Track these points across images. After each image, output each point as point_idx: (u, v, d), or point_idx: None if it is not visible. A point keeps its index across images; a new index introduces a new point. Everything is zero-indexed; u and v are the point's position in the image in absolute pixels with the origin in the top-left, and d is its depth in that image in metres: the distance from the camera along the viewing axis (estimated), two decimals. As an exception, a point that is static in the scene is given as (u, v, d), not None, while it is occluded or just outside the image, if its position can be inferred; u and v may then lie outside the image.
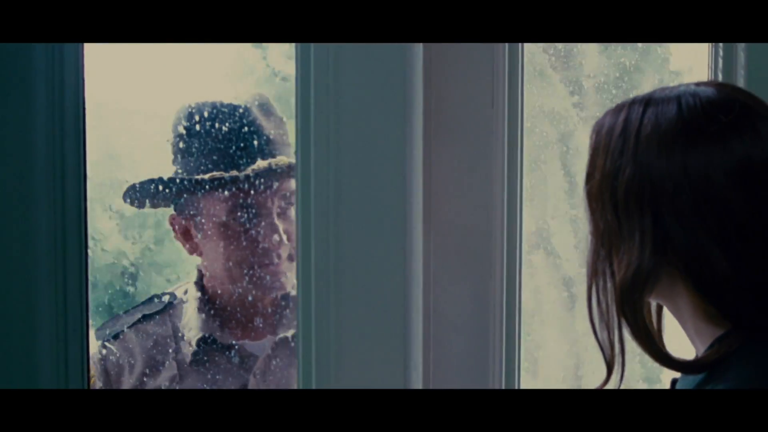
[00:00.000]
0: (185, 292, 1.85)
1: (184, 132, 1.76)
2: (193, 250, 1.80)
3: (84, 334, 1.38)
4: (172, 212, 1.80)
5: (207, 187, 1.72)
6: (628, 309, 1.22)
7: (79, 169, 1.39)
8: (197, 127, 1.75)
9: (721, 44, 1.62)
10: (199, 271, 1.83)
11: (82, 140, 1.40)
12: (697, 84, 1.24)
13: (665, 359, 1.24)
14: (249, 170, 1.71)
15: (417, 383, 1.36)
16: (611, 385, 1.30)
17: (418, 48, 1.33)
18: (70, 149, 1.38)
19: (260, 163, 1.71)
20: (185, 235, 1.80)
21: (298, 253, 1.36)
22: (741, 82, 1.60)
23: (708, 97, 1.20)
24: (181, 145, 1.76)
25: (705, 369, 1.20)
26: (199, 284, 1.82)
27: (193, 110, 1.76)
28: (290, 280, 1.77)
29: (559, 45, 2.49)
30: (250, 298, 1.77)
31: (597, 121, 1.28)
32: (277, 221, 1.73)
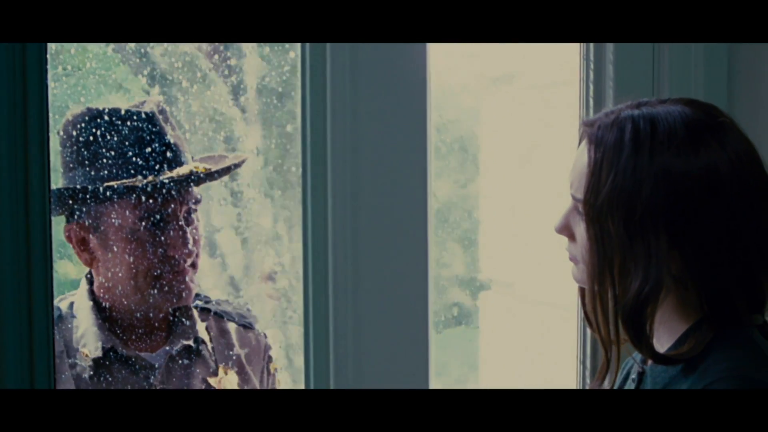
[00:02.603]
0: (70, 305, 1.75)
1: (80, 138, 1.69)
2: (90, 260, 1.72)
3: (50, 336, 1.32)
4: (66, 222, 1.71)
5: (109, 195, 1.66)
6: (637, 319, 1.36)
7: (43, 172, 1.32)
8: (96, 132, 1.68)
9: (591, 44, 1.85)
10: (90, 282, 1.75)
11: (47, 144, 1.34)
12: (681, 99, 1.44)
13: (657, 356, 1.39)
14: (158, 177, 1.68)
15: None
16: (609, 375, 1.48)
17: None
18: (33, 154, 1.31)
19: (180, 170, 1.69)
20: (81, 245, 1.71)
21: (307, 259, 1.38)
22: (610, 80, 1.84)
23: (703, 111, 1.40)
24: (77, 151, 1.68)
25: (686, 359, 1.37)
26: (91, 296, 1.74)
27: (90, 116, 1.69)
28: (195, 289, 1.76)
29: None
30: (152, 308, 1.73)
31: (591, 135, 1.42)
32: (184, 229, 1.71)
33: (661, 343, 1.42)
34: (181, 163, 1.71)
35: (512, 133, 2.24)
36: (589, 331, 1.89)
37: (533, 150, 2.17)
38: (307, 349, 1.36)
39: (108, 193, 1.65)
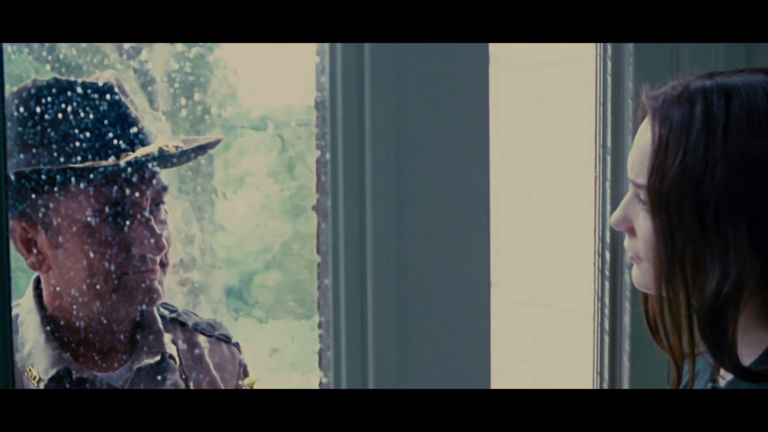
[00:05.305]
0: (16, 317, 1.46)
1: (25, 116, 1.39)
2: (38, 263, 1.42)
3: (7, 335, 1.06)
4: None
5: (63, 182, 1.37)
6: (717, 326, 1.17)
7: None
8: (42, 108, 1.39)
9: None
10: (37, 289, 1.46)
11: (2, 130, 1.08)
12: (762, 69, 1.24)
13: (743, 370, 1.19)
14: (122, 160, 1.40)
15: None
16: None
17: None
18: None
19: (146, 149, 1.40)
20: (27, 245, 1.42)
21: (333, 266, 1.12)
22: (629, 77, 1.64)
23: None
24: (21, 131, 1.39)
25: None
26: (40, 306, 1.45)
27: (37, 89, 1.40)
28: (164, 293, 1.47)
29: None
30: (114, 319, 1.44)
31: (656, 111, 1.22)
32: (150, 221, 1.43)
33: (742, 357, 1.21)
34: (146, 143, 1.42)
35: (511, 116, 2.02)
36: (607, 338, 1.69)
37: (523, 136, 1.95)
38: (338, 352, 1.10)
39: (53, 181, 1.36)
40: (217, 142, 1.51)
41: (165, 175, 1.48)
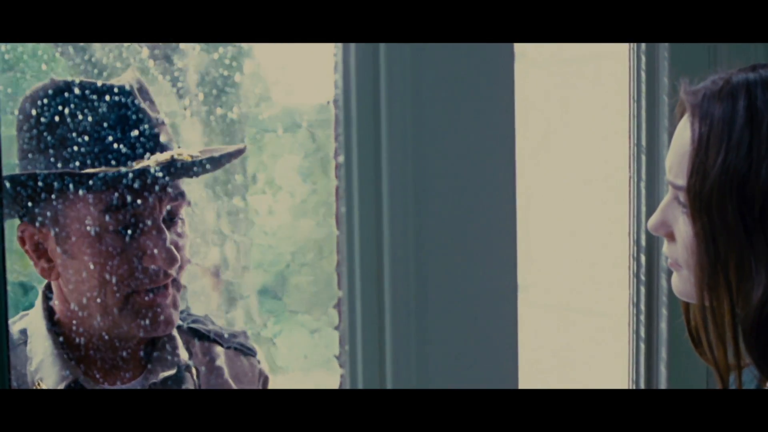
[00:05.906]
0: (23, 331, 1.40)
1: (41, 118, 1.34)
2: (48, 270, 1.37)
3: (3, 336, 1.01)
4: (20, 221, 1.36)
5: (61, 189, 1.31)
6: (764, 337, 1.10)
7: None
8: (62, 110, 1.33)
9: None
10: (47, 298, 1.40)
11: None
12: None
13: None
14: (129, 168, 1.33)
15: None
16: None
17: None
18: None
19: (159, 157, 1.34)
20: (37, 251, 1.36)
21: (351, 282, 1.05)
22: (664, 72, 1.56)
23: None
24: (38, 134, 1.34)
25: None
26: (49, 316, 1.39)
27: (55, 90, 1.34)
28: (177, 316, 1.41)
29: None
30: (122, 335, 1.38)
31: (695, 107, 1.15)
32: (163, 233, 1.36)
33: None
34: (148, 147, 1.36)
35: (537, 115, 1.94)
36: (643, 345, 1.61)
37: (554, 136, 1.88)
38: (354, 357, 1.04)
39: (59, 185, 1.30)
40: (238, 152, 1.44)
41: (190, 181, 1.42)
